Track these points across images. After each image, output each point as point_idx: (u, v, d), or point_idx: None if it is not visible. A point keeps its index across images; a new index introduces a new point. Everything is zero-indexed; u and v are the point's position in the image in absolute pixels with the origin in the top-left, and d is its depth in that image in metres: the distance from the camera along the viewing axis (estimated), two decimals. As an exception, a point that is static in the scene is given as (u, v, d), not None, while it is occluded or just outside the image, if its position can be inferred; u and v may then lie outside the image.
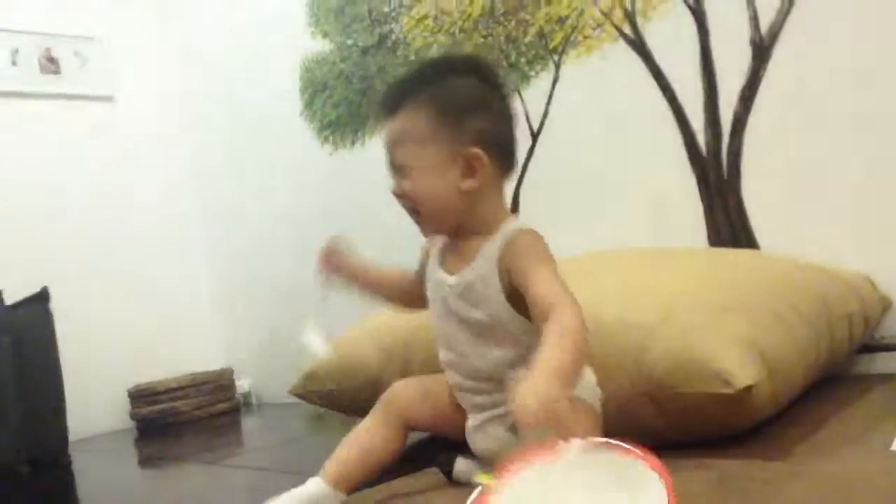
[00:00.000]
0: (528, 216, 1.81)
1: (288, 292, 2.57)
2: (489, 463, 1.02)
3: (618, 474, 0.69)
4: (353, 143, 2.26)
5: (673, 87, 1.55)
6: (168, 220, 2.84)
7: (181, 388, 2.59)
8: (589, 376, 1.03)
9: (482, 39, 1.87)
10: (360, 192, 2.24)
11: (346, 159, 2.29)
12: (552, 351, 0.83)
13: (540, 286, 0.90)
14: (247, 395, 2.80)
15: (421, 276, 1.09)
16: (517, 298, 0.95)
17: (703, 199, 1.54)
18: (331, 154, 2.33)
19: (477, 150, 0.94)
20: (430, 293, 1.05)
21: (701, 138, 1.53)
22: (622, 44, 1.61)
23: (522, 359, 0.94)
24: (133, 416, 2.60)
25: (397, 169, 0.97)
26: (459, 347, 1.02)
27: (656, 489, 0.67)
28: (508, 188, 1.08)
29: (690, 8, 1.51)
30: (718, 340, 1.01)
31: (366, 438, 1.07)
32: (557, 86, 1.75)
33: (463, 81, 0.97)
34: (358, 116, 2.23)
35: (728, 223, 1.50)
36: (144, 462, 2.26)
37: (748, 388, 0.95)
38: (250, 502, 1.29)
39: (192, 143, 2.85)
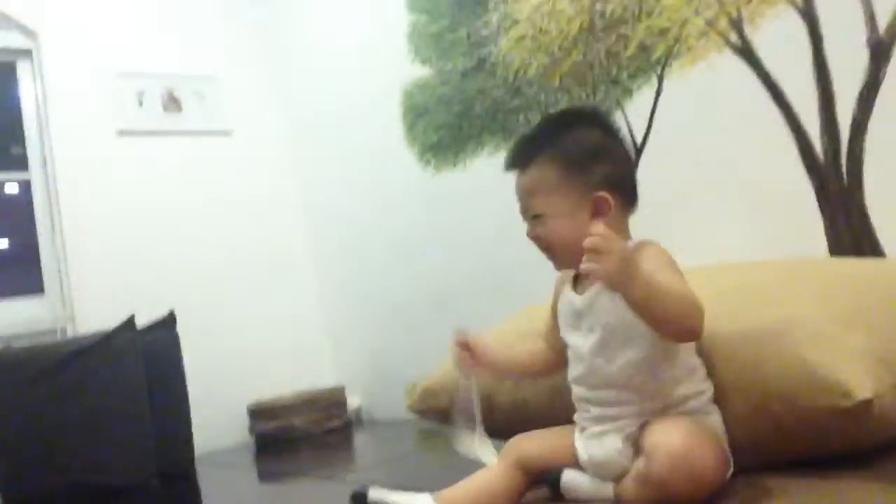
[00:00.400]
0: (639, 233, 1.79)
1: (396, 311, 2.64)
2: (598, 474, 1.03)
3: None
4: (454, 164, 2.31)
5: (785, 93, 1.51)
6: (282, 245, 2.97)
7: (297, 405, 2.69)
8: (709, 400, 1.03)
9: (581, 57, 1.87)
10: (461, 209, 2.28)
11: (448, 179, 2.33)
12: (661, 280, 0.92)
13: (671, 281, 0.95)
14: (357, 412, 2.88)
15: (555, 317, 1.14)
16: None
17: (822, 207, 1.48)
18: (433, 176, 2.38)
19: (603, 194, 1.02)
20: (561, 317, 1.12)
21: (817, 144, 1.47)
22: (728, 52, 1.58)
23: (650, 360, 1.00)
24: (252, 431, 2.71)
25: (532, 215, 1.07)
26: (589, 358, 1.05)
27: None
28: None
29: (800, 11, 1.46)
30: (838, 352, 0.97)
31: (487, 477, 1.10)
32: (661, 98, 1.73)
33: (584, 132, 1.06)
34: (458, 139, 2.28)
35: (850, 230, 1.44)
36: (264, 476, 2.36)
37: (868, 402, 0.91)
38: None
39: (303, 171, 2.99)
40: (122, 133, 2.73)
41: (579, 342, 1.07)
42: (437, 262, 2.42)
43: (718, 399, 1.05)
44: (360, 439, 2.66)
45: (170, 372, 2.25)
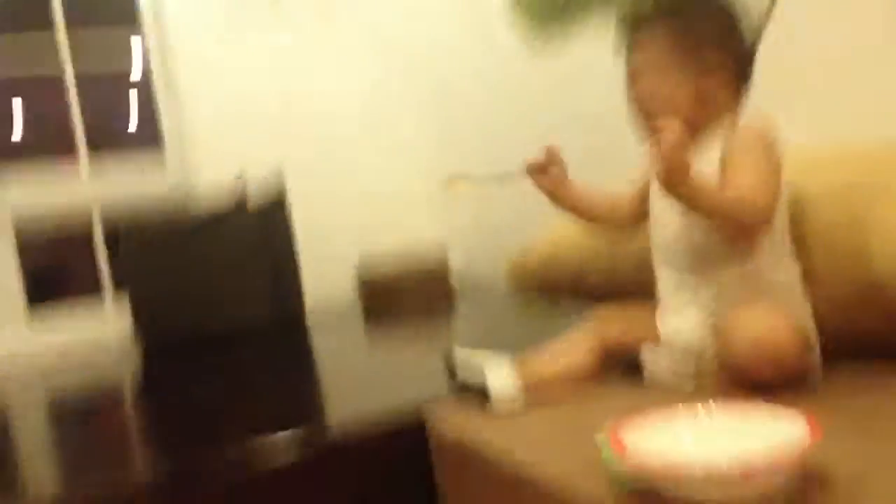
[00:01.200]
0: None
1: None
2: (679, 350, 1.01)
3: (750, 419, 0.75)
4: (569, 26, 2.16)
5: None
6: (390, 98, 2.96)
7: (402, 266, 2.78)
8: (795, 283, 1.00)
9: None
10: (566, 88, 2.16)
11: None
12: (714, 187, 0.94)
13: (738, 174, 0.94)
14: (463, 275, 2.94)
15: (643, 191, 1.12)
16: None
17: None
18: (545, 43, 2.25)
19: (720, 79, 1.02)
20: (652, 188, 1.09)
21: None
22: None
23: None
24: (357, 289, 2.84)
25: (638, 76, 1.06)
26: (672, 226, 1.03)
27: (793, 420, 0.70)
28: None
29: None
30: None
31: (568, 348, 1.11)
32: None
33: (707, 12, 1.06)
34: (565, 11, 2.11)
35: None
36: (369, 330, 2.51)
37: None
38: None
39: (416, 28, 2.90)
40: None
41: (665, 209, 1.05)
42: (546, 128, 2.34)
43: (812, 283, 0.99)
44: (463, 303, 2.73)
45: (282, 246, 2.42)
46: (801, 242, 1.00)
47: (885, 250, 0.92)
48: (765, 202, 0.94)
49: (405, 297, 2.75)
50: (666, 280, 1.06)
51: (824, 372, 0.95)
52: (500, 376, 1.02)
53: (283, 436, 1.06)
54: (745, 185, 0.94)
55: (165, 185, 2.73)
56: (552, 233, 1.53)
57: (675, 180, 0.88)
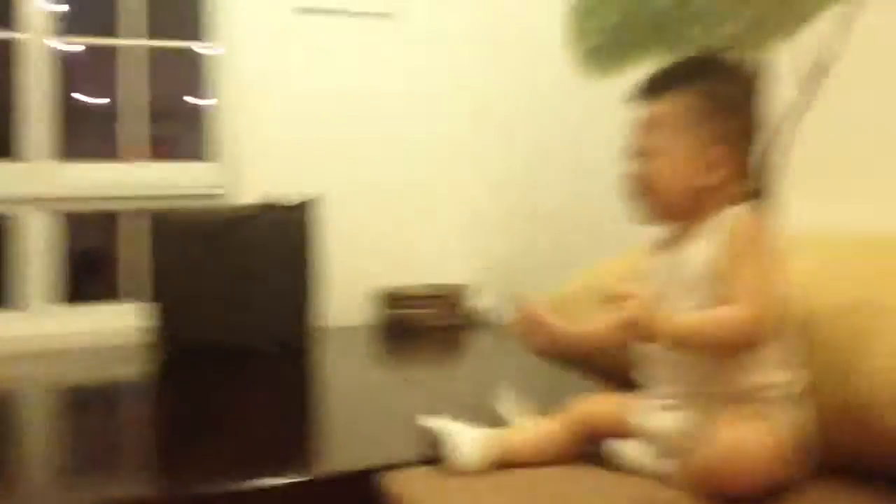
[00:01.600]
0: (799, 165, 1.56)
1: (542, 221, 2.59)
2: (656, 448, 0.96)
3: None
4: (614, 71, 2.13)
5: None
6: (439, 140, 2.97)
7: (425, 297, 2.76)
8: (788, 393, 0.94)
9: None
10: (616, 127, 2.12)
11: (610, 87, 2.16)
12: (693, 319, 0.90)
13: (735, 280, 0.90)
14: (487, 313, 2.91)
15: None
16: None
17: None
18: (595, 82, 2.22)
19: (724, 149, 0.98)
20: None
21: None
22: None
23: None
24: (380, 314, 2.83)
25: (643, 151, 1.01)
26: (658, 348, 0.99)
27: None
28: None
29: None
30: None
31: (548, 428, 1.07)
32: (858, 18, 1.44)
33: (729, 81, 1.03)
34: (620, 44, 2.09)
35: None
36: (379, 358, 2.48)
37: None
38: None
39: (471, 63, 2.91)
40: (299, 10, 2.78)
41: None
42: (588, 176, 2.31)
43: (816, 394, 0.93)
44: (484, 340, 2.70)
45: (304, 251, 2.38)
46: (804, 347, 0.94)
47: (876, 373, 0.86)
48: (762, 315, 0.88)
49: (425, 330, 2.73)
50: (653, 383, 1.01)
51: (806, 485, 0.90)
52: (469, 450, 0.99)
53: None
54: (743, 290, 0.89)
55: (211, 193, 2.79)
56: (570, 292, 1.49)
57: (652, 339, 0.88)
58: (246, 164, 2.75)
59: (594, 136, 2.25)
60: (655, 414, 0.99)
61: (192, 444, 1.32)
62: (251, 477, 1.08)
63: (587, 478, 0.98)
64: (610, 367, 1.29)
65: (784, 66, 1.59)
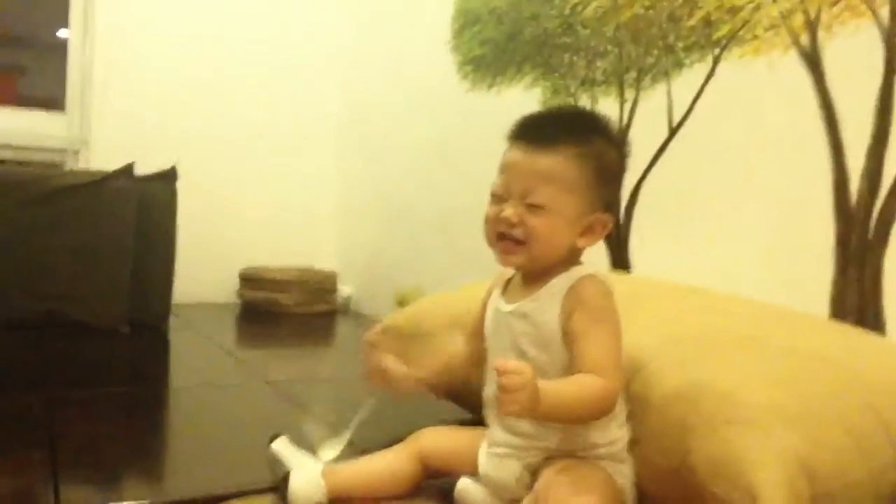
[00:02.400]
0: (642, 217, 1.67)
1: (401, 216, 2.59)
2: (494, 492, 1.00)
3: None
4: (489, 86, 2.16)
5: (839, 120, 1.33)
6: (309, 120, 2.90)
7: (287, 281, 2.71)
8: (623, 448, 0.99)
9: (643, 10, 1.68)
10: (486, 136, 2.15)
11: (480, 101, 2.19)
12: (567, 387, 0.89)
13: (592, 348, 0.92)
14: (346, 301, 2.90)
15: (477, 329, 1.07)
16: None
17: (837, 254, 1.34)
18: (466, 92, 2.24)
19: (608, 217, 0.97)
20: (487, 324, 1.05)
21: (854, 186, 1.31)
22: (794, 55, 1.39)
23: None
24: (239, 296, 2.76)
25: (523, 199, 0.95)
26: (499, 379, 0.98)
27: None
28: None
29: (883, 34, 1.26)
30: (766, 450, 0.89)
31: (384, 461, 1.07)
32: (711, 82, 1.55)
33: (613, 146, 0.99)
34: (500, 60, 2.12)
35: (858, 290, 1.31)
36: (238, 340, 2.42)
37: (773, 517, 0.84)
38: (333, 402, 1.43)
39: (346, 54, 2.86)
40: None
41: (496, 354, 1.01)
42: (451, 179, 2.33)
43: (638, 447, 0.99)
44: (342, 327, 2.69)
45: (161, 226, 2.26)
46: (638, 406, 1.00)
47: (703, 436, 0.93)
48: (620, 377, 0.92)
49: (286, 315, 2.69)
50: (492, 422, 1.03)
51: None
52: (300, 486, 0.99)
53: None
54: (600, 360, 0.90)
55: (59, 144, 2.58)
56: (418, 307, 1.50)
57: (532, 409, 0.82)
58: (99, 121, 2.57)
59: (462, 140, 2.28)
60: (493, 459, 1.02)
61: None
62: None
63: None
64: (465, 396, 1.33)
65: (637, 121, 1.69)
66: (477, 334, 1.07)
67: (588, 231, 0.96)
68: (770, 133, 1.44)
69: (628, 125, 1.71)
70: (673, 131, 1.62)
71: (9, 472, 1.12)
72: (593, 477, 0.93)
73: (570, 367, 0.93)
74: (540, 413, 0.84)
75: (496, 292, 1.05)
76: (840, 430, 0.95)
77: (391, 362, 1.06)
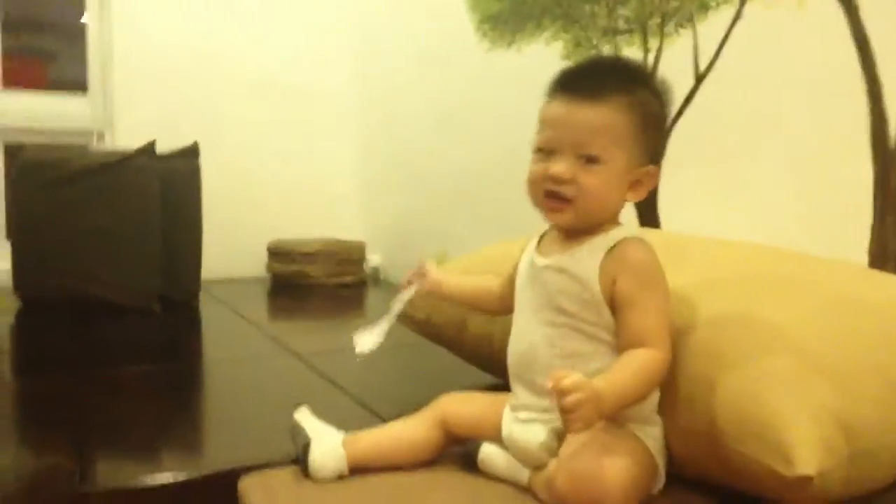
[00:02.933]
0: (669, 171, 1.61)
1: (426, 181, 2.56)
2: (517, 457, 0.98)
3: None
4: (509, 44, 2.10)
5: (876, 60, 1.25)
6: (326, 92, 2.87)
7: (314, 253, 2.70)
8: (652, 410, 0.96)
9: (664, -47, 1.60)
10: (507, 94, 2.10)
11: (501, 60, 2.14)
12: (625, 377, 0.87)
13: (642, 316, 0.90)
14: (375, 271, 2.89)
15: (512, 277, 1.06)
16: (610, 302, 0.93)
17: (876, 200, 1.27)
18: (486, 52, 2.19)
19: (655, 169, 0.95)
20: (518, 280, 1.03)
21: (893, 127, 1.24)
22: (827, -10, 1.31)
23: (593, 357, 0.93)
24: (268, 269, 2.77)
25: (575, 153, 0.91)
26: (531, 336, 0.98)
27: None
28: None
29: (925, -41, 1.18)
30: (799, 407, 0.85)
31: (405, 427, 1.05)
32: (738, 24, 1.48)
33: (656, 95, 0.96)
34: (518, 15, 2.05)
35: (898, 237, 1.24)
36: (270, 313, 2.43)
37: (807, 478, 0.80)
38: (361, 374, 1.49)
39: (359, 19, 2.80)
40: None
41: (527, 315, 0.99)
42: (474, 141, 2.29)
43: (667, 409, 0.96)
44: (372, 297, 2.68)
45: (186, 202, 2.26)
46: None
47: (733, 394, 0.90)
48: (670, 345, 0.91)
49: (315, 286, 2.69)
50: (516, 384, 1.01)
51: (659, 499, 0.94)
52: (320, 457, 0.98)
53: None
54: (650, 330, 0.90)
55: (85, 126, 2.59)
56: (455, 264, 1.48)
57: (602, 415, 0.82)
58: (122, 101, 2.58)
59: (484, 102, 2.23)
60: (517, 424, 0.99)
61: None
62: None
63: (447, 486, 0.99)
64: (487, 358, 1.30)
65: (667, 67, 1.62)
66: (512, 282, 1.05)
67: (637, 184, 0.94)
68: (802, 75, 1.37)
69: (652, 75, 1.65)
70: (700, 79, 1.56)
71: (37, 450, 1.13)
72: (622, 440, 0.90)
73: (618, 333, 0.92)
74: (608, 415, 0.84)
75: (530, 246, 1.02)
76: (880, 383, 0.91)
77: (431, 264, 1.13)
